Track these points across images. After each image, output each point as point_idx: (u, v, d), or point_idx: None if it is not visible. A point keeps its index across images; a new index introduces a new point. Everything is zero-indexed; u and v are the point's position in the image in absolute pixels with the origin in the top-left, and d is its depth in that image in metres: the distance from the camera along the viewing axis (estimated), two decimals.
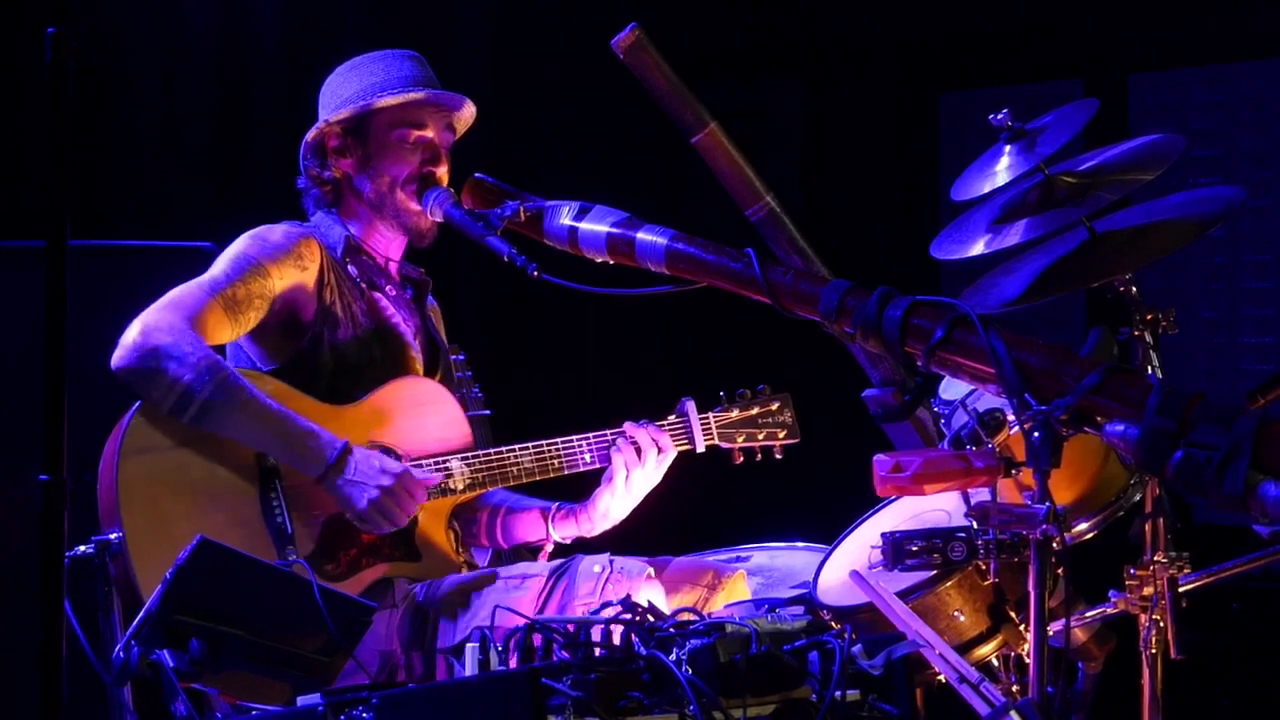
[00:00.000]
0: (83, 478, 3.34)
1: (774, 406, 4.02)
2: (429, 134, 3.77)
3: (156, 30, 5.56)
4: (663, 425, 3.84)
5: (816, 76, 6.44)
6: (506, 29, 6.16)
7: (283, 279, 3.64)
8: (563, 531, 3.84)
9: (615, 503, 3.77)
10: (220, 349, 3.61)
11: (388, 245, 3.84)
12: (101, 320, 3.49)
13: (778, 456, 4.02)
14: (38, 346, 2.53)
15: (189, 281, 3.59)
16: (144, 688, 2.91)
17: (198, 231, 3.87)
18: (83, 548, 3.25)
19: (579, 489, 3.85)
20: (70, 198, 2.59)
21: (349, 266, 3.76)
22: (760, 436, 3.99)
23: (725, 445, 3.95)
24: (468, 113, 3.87)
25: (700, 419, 3.90)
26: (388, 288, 3.83)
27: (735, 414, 3.97)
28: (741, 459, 3.99)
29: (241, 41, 5.70)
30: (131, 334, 3.46)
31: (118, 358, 3.46)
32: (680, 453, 3.85)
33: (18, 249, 4.22)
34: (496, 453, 3.74)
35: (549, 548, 3.88)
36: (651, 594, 3.42)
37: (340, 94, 3.78)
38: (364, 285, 3.78)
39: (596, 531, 3.81)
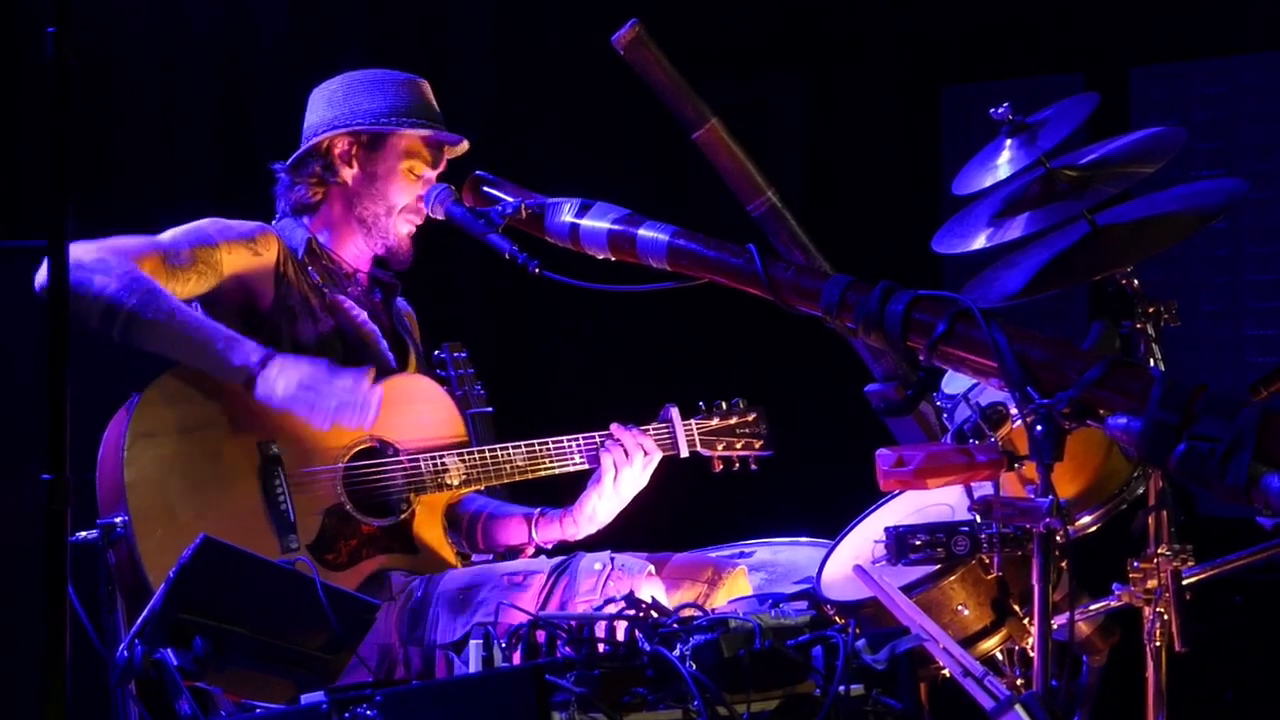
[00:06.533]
0: (84, 476, 3.34)
1: (750, 418, 4.10)
2: (433, 173, 3.81)
3: (157, 29, 5.56)
4: (647, 430, 3.89)
5: (818, 71, 6.43)
6: (507, 26, 6.15)
7: (232, 256, 3.64)
8: (545, 536, 3.86)
9: (603, 504, 3.80)
10: None
11: (356, 257, 3.86)
12: None
13: (753, 468, 4.10)
14: (39, 345, 2.53)
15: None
16: (148, 686, 2.91)
17: None
18: (86, 533, 3.24)
19: (559, 494, 3.88)
20: (71, 197, 2.59)
21: (309, 270, 3.76)
22: (738, 446, 4.07)
23: (706, 453, 4.02)
24: (460, 150, 3.90)
25: (684, 425, 3.96)
26: (351, 289, 3.84)
27: (716, 422, 4.05)
28: (721, 467, 4.06)
29: (242, 40, 5.70)
30: None
31: (40, 280, 3.41)
32: (664, 458, 3.90)
33: (19, 248, 4.22)
34: (490, 450, 3.76)
35: (529, 552, 3.89)
36: (652, 591, 3.42)
37: (361, 105, 3.77)
38: (325, 288, 3.77)
39: (581, 535, 3.84)
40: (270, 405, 3.49)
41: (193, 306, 3.63)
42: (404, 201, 3.78)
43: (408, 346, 3.94)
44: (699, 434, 3.99)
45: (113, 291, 3.43)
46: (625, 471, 3.80)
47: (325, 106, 3.82)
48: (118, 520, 3.29)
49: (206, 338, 3.49)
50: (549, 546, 3.89)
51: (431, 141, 3.81)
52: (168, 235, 3.64)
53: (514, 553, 3.90)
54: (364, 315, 3.81)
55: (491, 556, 4.04)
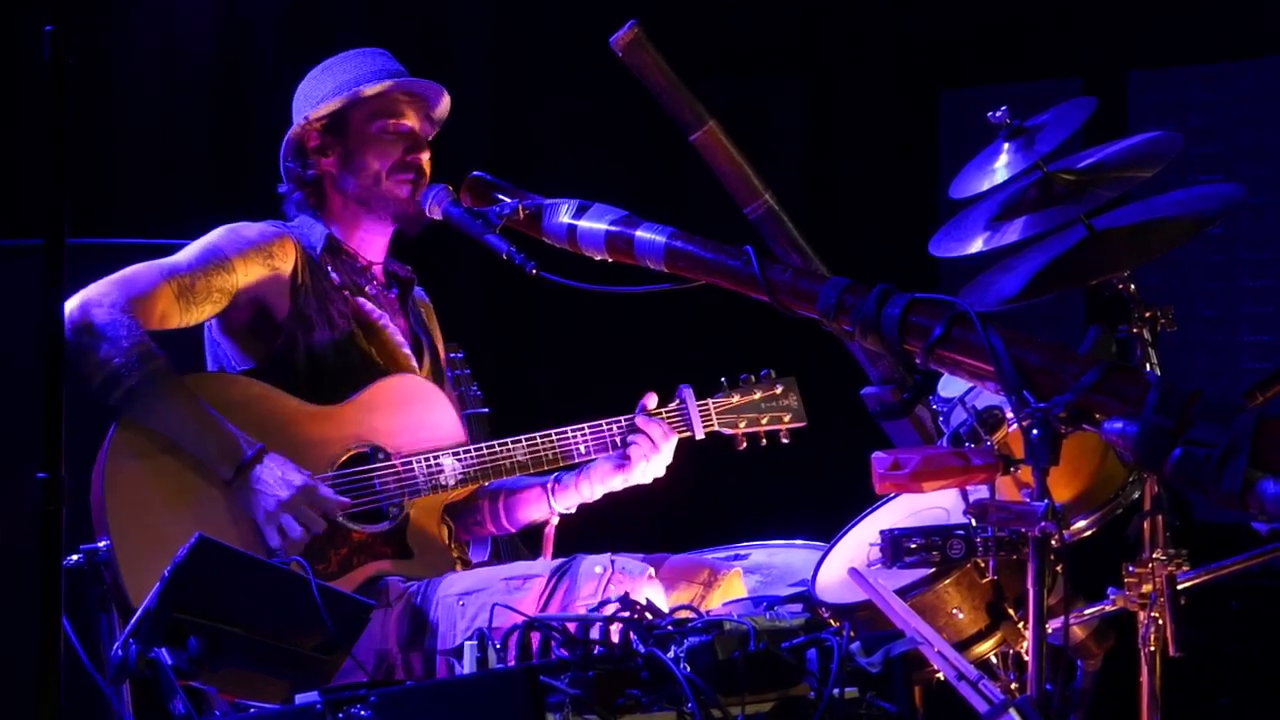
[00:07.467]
0: (80, 475, 3.33)
1: (778, 390, 3.99)
2: (408, 123, 3.78)
3: (154, 27, 5.56)
4: (660, 414, 3.84)
5: (816, 74, 6.44)
6: (506, 27, 6.16)
7: (248, 275, 3.64)
8: (564, 503, 3.85)
9: (621, 484, 3.81)
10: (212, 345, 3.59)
11: (370, 245, 3.83)
12: None
13: (784, 441, 3.99)
14: (37, 344, 2.53)
15: (147, 261, 3.58)
16: (142, 686, 2.90)
17: (195, 229, 3.86)
18: (73, 557, 3.22)
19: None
20: (68, 196, 2.59)
21: (329, 269, 3.75)
22: (764, 421, 3.97)
23: (726, 431, 3.94)
24: (444, 105, 3.87)
25: (699, 405, 3.89)
26: (370, 288, 3.83)
27: (736, 399, 3.95)
28: (745, 445, 3.96)
29: (239, 38, 5.70)
30: (71, 305, 3.43)
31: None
32: (681, 439, 3.85)
33: (16, 247, 4.22)
34: (489, 447, 3.73)
35: (555, 521, 3.88)
36: (652, 594, 3.42)
37: (315, 94, 3.78)
38: (346, 290, 3.77)
39: (596, 497, 3.83)
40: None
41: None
42: (387, 161, 3.75)
43: (423, 346, 3.92)
44: (717, 413, 3.91)
45: (115, 365, 3.42)
46: (656, 458, 3.79)
47: (294, 113, 3.83)
48: (101, 545, 3.24)
49: (196, 432, 3.46)
50: (571, 512, 3.86)
51: (394, 94, 3.78)
52: (183, 258, 3.62)
53: (538, 529, 3.88)
54: (385, 318, 3.81)
55: (489, 557, 4.03)
